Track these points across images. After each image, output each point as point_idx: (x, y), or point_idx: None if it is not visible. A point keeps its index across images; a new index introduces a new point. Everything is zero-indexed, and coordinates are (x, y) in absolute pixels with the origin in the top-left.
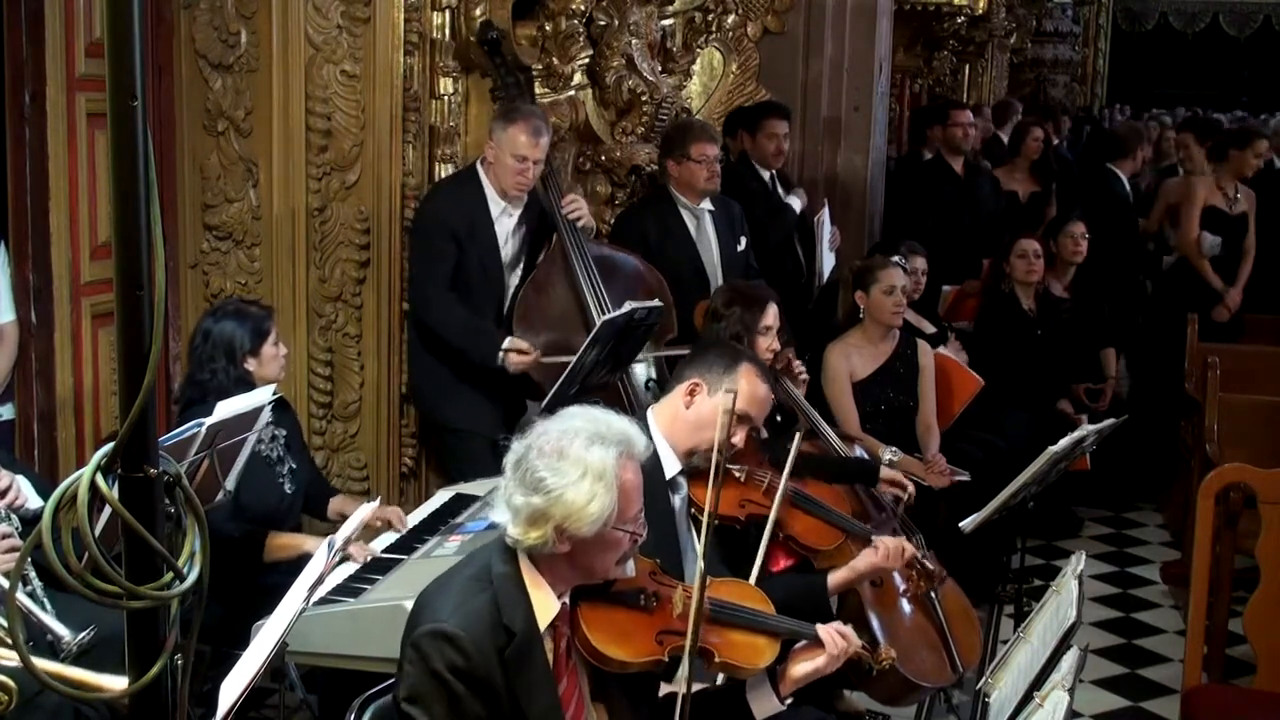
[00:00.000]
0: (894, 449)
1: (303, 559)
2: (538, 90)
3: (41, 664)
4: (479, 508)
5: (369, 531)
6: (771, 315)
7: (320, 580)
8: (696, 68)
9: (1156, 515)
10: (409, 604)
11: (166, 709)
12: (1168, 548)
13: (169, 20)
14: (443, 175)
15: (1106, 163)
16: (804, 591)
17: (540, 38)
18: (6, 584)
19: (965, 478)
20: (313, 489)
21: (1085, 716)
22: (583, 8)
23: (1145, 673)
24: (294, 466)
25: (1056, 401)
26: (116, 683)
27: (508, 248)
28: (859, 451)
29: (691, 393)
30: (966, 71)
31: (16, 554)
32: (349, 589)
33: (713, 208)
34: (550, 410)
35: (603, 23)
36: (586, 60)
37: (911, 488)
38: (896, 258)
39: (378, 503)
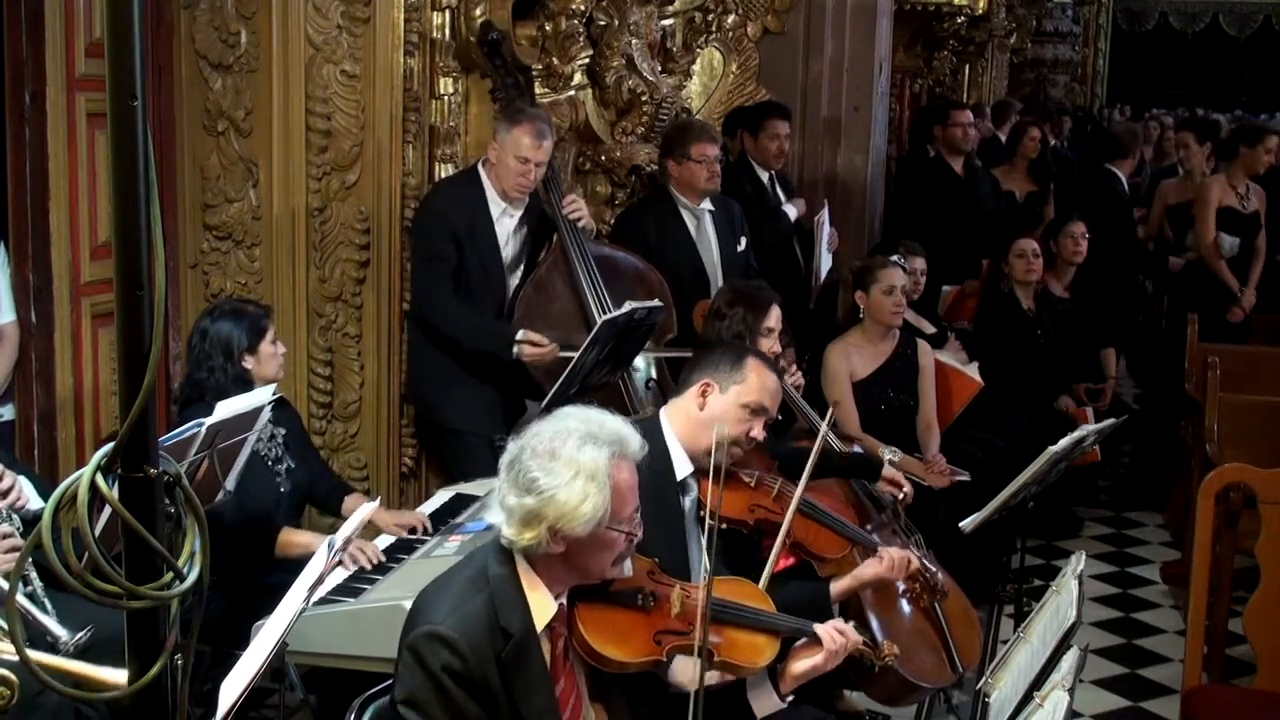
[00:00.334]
0: (894, 449)
1: (305, 558)
2: (538, 90)
3: (41, 658)
4: (479, 508)
5: (368, 534)
6: (774, 317)
7: (320, 580)
8: (696, 68)
9: (1156, 515)
10: (408, 604)
11: (166, 709)
12: (1168, 548)
13: (169, 20)
14: (443, 175)
15: (1105, 163)
16: (808, 599)
17: (540, 38)
18: (6, 585)
19: (965, 478)
20: (323, 488)
21: (1085, 716)
22: (583, 8)
23: (1145, 673)
24: (292, 466)
25: (1056, 401)
26: (117, 676)
27: (508, 249)
28: (859, 451)
29: (703, 394)
30: (966, 71)
31: (17, 554)
32: (349, 589)
33: (713, 208)
34: (550, 410)
35: (603, 23)
36: (586, 60)
37: (909, 487)
38: (896, 257)
39: (378, 503)
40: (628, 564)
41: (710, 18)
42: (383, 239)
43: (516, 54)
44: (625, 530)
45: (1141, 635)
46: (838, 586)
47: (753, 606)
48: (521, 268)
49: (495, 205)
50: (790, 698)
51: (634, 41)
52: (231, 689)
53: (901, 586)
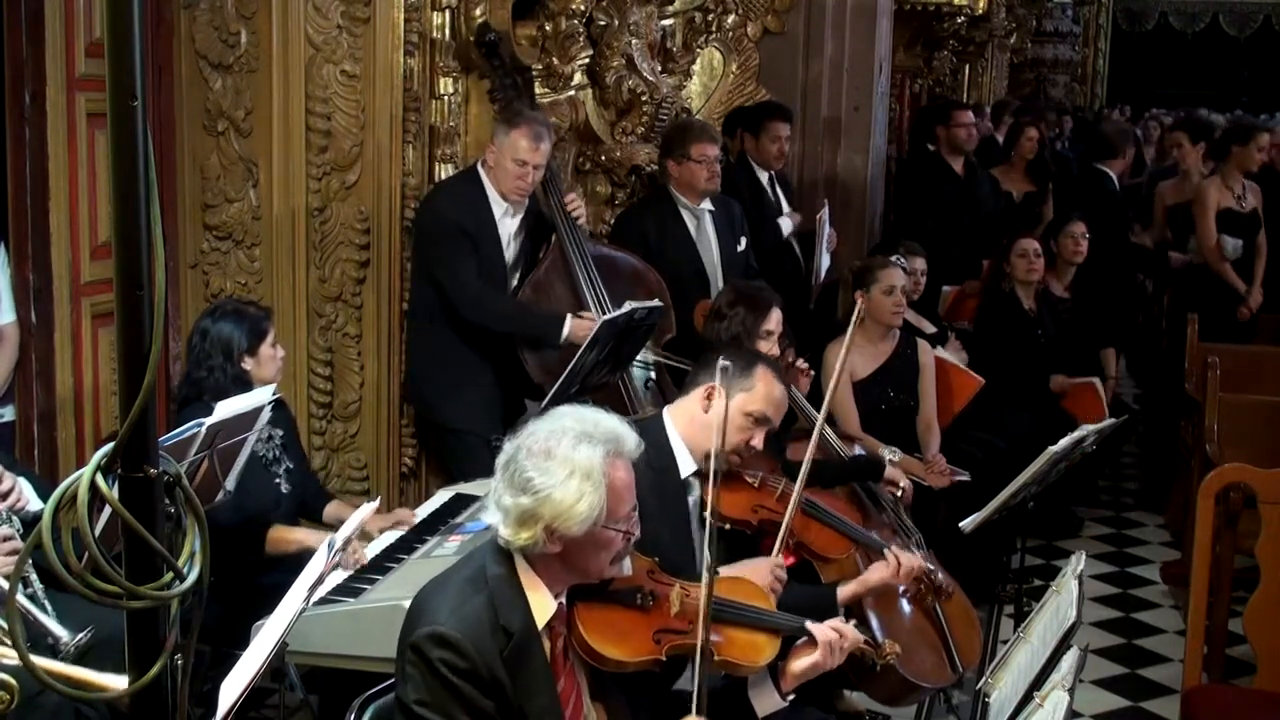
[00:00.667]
0: (894, 449)
1: (303, 557)
2: (538, 90)
3: (42, 663)
4: (478, 508)
5: (365, 538)
6: (774, 320)
7: (320, 580)
8: (696, 68)
9: (1156, 515)
10: (408, 604)
11: (166, 709)
12: (1168, 548)
13: (169, 20)
14: (443, 175)
15: (1095, 163)
16: (814, 602)
17: (540, 38)
18: (6, 585)
19: (965, 478)
20: (307, 493)
21: (1085, 716)
22: (583, 8)
23: (1145, 673)
24: (290, 466)
25: (1056, 402)
26: (117, 682)
27: (510, 250)
28: (859, 451)
29: (709, 396)
30: (966, 71)
31: (17, 556)
32: (349, 589)
33: (713, 208)
34: (549, 410)
35: (603, 23)
36: (586, 60)
37: (908, 485)
38: (895, 257)
39: (377, 503)
40: (626, 563)
41: (710, 18)
42: (383, 239)
43: (516, 54)
44: (622, 529)
45: (1141, 635)
46: (845, 591)
47: (753, 605)
48: (520, 270)
49: (497, 205)
50: (791, 696)
51: (634, 41)
52: (231, 689)
53: (903, 586)
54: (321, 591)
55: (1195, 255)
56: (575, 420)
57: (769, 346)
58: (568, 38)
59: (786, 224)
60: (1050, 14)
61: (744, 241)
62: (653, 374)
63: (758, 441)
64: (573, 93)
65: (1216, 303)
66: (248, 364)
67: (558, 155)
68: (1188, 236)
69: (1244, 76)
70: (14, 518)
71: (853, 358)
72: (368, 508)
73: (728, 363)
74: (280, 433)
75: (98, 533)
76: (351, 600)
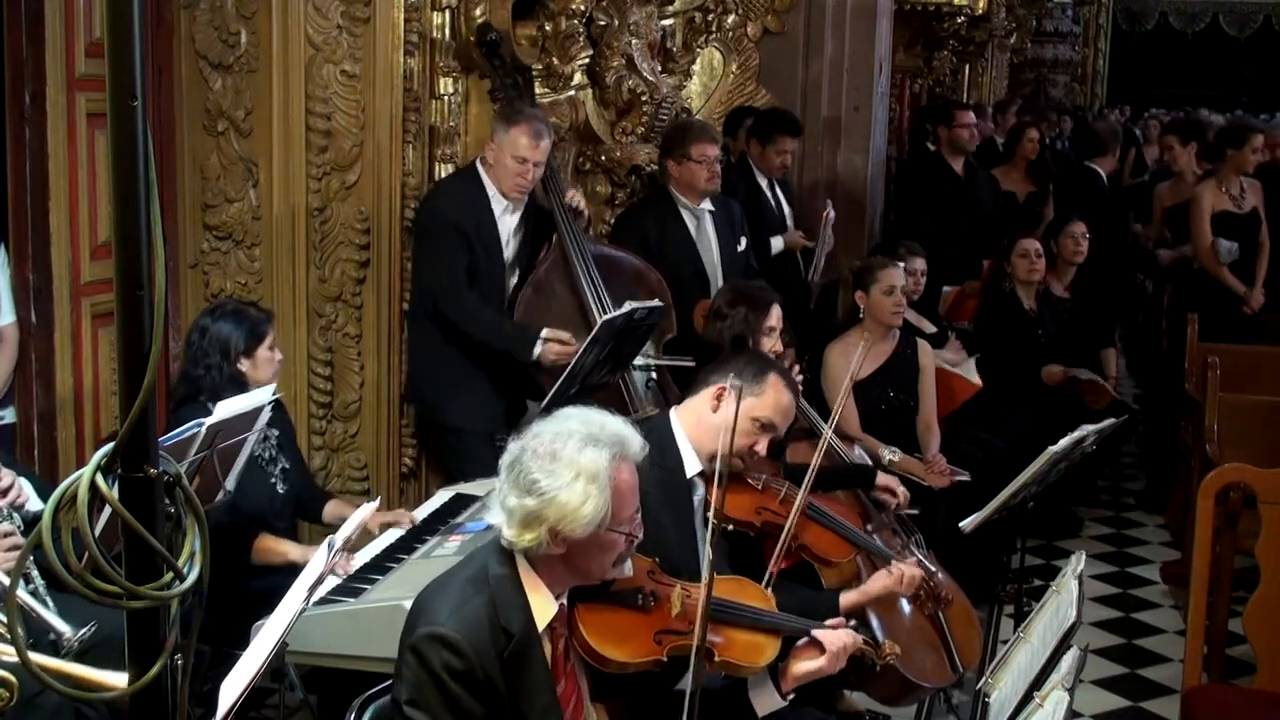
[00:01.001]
0: (894, 449)
1: (292, 568)
2: (538, 90)
3: (42, 660)
4: (479, 508)
5: (366, 536)
6: (775, 316)
7: (320, 580)
8: (696, 68)
9: (1156, 515)
10: (408, 604)
11: (166, 709)
12: (1168, 548)
13: (169, 20)
14: (442, 175)
15: (1085, 161)
16: (814, 609)
17: (540, 38)
18: (7, 581)
19: (965, 478)
20: (305, 493)
21: (1085, 716)
22: (583, 8)
23: (1145, 673)
24: (286, 467)
25: (1056, 402)
26: (117, 680)
27: (509, 248)
28: (859, 451)
29: (718, 397)
30: (966, 71)
31: (18, 552)
32: (349, 589)
33: (713, 208)
34: (550, 411)
35: (603, 23)
36: (586, 60)
37: (903, 492)
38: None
39: (377, 503)
40: (628, 564)
41: (710, 18)
42: (383, 239)
43: (516, 54)
44: (626, 532)
45: (1141, 635)
46: (847, 599)
47: (754, 606)
48: (520, 268)
49: (497, 203)
50: (791, 696)
51: (634, 41)
52: (231, 689)
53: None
54: (321, 591)
55: (1192, 255)
56: (581, 422)
57: (771, 343)
58: (568, 38)
59: (777, 243)
60: (1050, 14)
61: (744, 241)
62: (654, 374)
63: (761, 448)
64: (573, 93)
65: (1217, 303)
66: (244, 365)
67: (558, 155)
68: (1185, 236)
69: (1244, 76)
70: (14, 515)
71: (853, 357)
72: (367, 508)
73: (741, 365)
74: (276, 433)
75: (98, 533)
76: (351, 600)
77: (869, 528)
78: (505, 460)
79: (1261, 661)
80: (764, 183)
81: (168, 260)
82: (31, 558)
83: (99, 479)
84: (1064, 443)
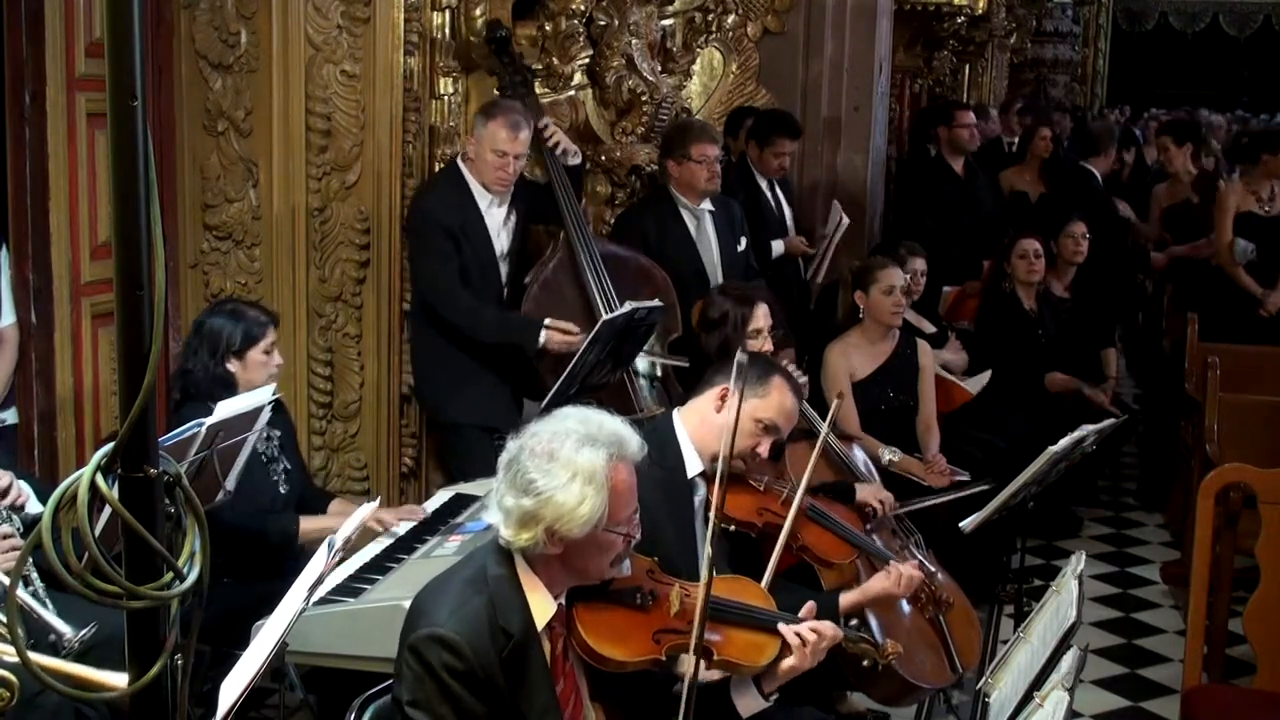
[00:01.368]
0: (894, 449)
1: (293, 569)
2: (538, 90)
3: (41, 660)
4: (479, 508)
5: (367, 535)
6: (761, 318)
7: (320, 580)
8: (696, 68)
9: (1156, 515)
10: (408, 604)
11: (166, 709)
12: (1168, 548)
13: (169, 20)
14: None
15: (1080, 160)
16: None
17: (540, 38)
18: (7, 581)
19: (965, 478)
20: (306, 493)
21: (1085, 716)
22: (583, 8)
23: (1145, 673)
24: (288, 467)
25: (1056, 402)
26: (117, 680)
27: (500, 240)
28: (858, 451)
29: (722, 398)
30: (966, 71)
31: (18, 553)
32: (349, 589)
33: (713, 208)
34: (549, 411)
35: (603, 23)
36: (586, 60)
37: (887, 497)
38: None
39: (377, 503)
40: (626, 564)
41: (710, 18)
42: (383, 239)
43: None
44: (623, 532)
45: (1141, 635)
46: (846, 599)
47: (753, 605)
48: (512, 257)
49: (482, 198)
50: (775, 696)
51: (634, 41)
52: (231, 689)
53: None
54: (321, 591)
55: (1191, 252)
56: (579, 422)
57: (759, 344)
58: (568, 38)
59: (778, 246)
60: (1050, 14)
61: (744, 241)
62: (657, 373)
63: (763, 450)
64: (573, 93)
65: (1220, 301)
66: (233, 366)
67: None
68: (1184, 237)
69: (1244, 76)
70: (14, 516)
71: (852, 357)
72: (368, 508)
73: (744, 363)
74: (278, 433)
75: (98, 533)
76: (351, 600)
77: (869, 529)
78: (503, 459)
79: (1261, 661)
80: (764, 183)
81: (168, 260)
82: (31, 560)
83: (99, 479)
84: (1064, 443)
